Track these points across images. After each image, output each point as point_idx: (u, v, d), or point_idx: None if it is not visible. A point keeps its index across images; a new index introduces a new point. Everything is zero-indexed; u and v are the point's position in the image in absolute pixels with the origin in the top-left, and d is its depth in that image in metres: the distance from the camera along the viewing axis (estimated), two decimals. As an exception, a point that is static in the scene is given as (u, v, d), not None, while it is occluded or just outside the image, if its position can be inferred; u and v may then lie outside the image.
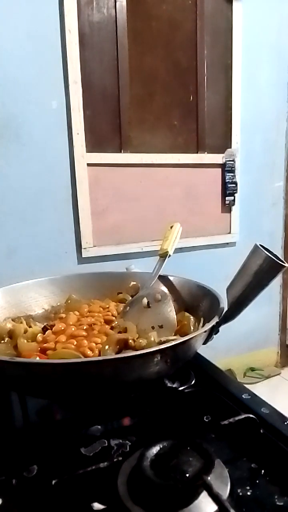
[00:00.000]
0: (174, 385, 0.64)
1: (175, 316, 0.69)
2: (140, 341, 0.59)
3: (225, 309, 0.60)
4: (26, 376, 0.48)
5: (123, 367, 0.48)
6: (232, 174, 2.15)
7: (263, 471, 0.45)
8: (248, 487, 0.43)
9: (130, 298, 0.76)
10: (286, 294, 2.49)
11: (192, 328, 0.65)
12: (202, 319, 0.66)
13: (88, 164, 1.83)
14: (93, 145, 1.85)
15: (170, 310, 0.70)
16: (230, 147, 2.15)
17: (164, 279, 0.78)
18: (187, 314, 0.68)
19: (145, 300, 0.72)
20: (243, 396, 0.59)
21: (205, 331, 0.54)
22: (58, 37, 1.70)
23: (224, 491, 0.40)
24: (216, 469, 0.41)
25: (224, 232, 2.23)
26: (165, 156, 1.98)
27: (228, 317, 0.60)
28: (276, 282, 2.43)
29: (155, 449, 0.42)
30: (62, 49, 1.71)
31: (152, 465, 0.40)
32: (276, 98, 2.26)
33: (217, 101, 2.11)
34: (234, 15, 2.03)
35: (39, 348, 0.59)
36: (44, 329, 0.66)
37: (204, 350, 0.63)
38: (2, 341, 0.62)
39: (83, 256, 1.86)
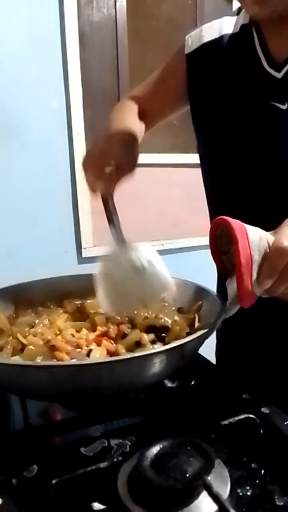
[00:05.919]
0: (174, 385, 0.64)
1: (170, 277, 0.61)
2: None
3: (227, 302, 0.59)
4: (23, 378, 0.48)
5: (122, 369, 0.48)
6: (232, 174, 2.14)
7: (263, 471, 0.45)
8: (248, 487, 0.43)
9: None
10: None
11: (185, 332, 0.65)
12: (197, 320, 0.66)
13: (88, 164, 1.83)
14: (93, 145, 1.85)
15: (165, 272, 0.61)
16: (230, 147, 2.14)
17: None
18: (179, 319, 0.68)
19: (139, 264, 0.60)
20: (243, 396, 0.59)
21: (204, 333, 0.54)
22: (58, 37, 1.70)
23: (224, 491, 0.40)
24: (216, 469, 0.41)
25: (224, 232, 2.23)
26: (165, 156, 1.98)
27: (228, 310, 0.59)
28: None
29: (155, 449, 0.42)
30: (62, 49, 1.71)
31: (152, 465, 0.40)
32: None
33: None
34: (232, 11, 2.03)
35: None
36: None
37: (204, 350, 0.63)
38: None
39: (83, 256, 1.86)
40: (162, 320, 0.65)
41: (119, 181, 0.65)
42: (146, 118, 0.84)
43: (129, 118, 0.79)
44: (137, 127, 0.77)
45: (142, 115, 0.84)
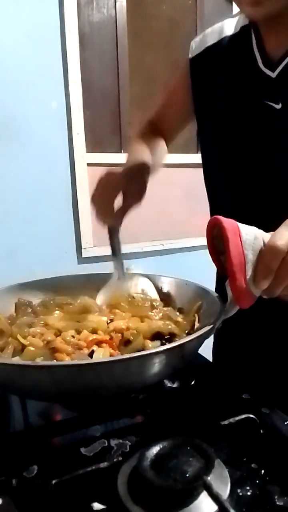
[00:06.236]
0: (174, 385, 0.64)
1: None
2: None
3: (227, 303, 0.60)
4: (23, 378, 0.48)
5: (122, 369, 0.48)
6: (232, 174, 2.14)
7: (263, 471, 0.45)
8: (248, 487, 0.43)
9: None
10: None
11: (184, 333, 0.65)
12: (197, 320, 0.66)
13: (88, 164, 1.83)
14: (93, 145, 1.85)
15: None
16: (230, 147, 2.15)
17: (162, 280, 0.78)
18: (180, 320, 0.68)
19: (134, 292, 0.75)
20: (243, 396, 0.59)
21: (204, 333, 0.54)
22: (58, 37, 1.70)
23: (224, 491, 0.40)
24: (216, 469, 0.41)
25: (224, 232, 2.23)
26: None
27: (228, 311, 0.59)
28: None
29: (155, 449, 0.42)
30: (62, 49, 1.71)
31: (152, 465, 0.40)
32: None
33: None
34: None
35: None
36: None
37: (203, 350, 0.63)
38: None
39: (83, 256, 1.86)
40: (169, 327, 0.64)
41: (126, 214, 0.71)
42: (164, 134, 0.87)
43: (138, 150, 0.80)
44: (147, 157, 0.77)
45: (160, 133, 0.86)
